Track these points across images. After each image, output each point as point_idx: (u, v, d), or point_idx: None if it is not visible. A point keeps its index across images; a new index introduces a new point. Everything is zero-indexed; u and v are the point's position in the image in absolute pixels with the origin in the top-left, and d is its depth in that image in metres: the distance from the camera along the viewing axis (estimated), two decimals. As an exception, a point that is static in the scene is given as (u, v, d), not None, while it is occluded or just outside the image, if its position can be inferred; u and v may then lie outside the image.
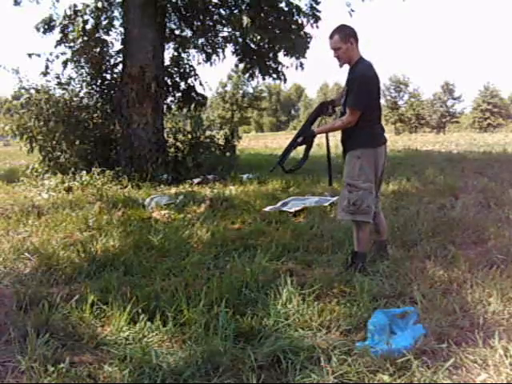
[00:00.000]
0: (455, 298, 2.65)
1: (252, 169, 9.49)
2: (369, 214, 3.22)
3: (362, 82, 3.13)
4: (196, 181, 7.96)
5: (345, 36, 3.11)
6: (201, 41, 10.66)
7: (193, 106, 10.38)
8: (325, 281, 2.92)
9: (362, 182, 3.17)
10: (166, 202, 5.88)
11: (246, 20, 8.46)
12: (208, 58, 10.73)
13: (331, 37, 3.16)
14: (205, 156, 9.30)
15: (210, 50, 10.70)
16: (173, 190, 7.15)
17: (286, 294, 2.65)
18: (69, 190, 7.13)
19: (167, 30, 9.87)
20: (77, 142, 8.44)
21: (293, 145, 3.37)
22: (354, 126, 3.19)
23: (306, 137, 3.33)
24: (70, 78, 9.19)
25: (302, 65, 10.32)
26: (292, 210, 5.24)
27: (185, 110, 10.57)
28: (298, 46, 10.01)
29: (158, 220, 4.99)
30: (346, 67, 3.28)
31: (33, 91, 8.74)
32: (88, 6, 9.42)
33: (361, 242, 3.26)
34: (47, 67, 9.17)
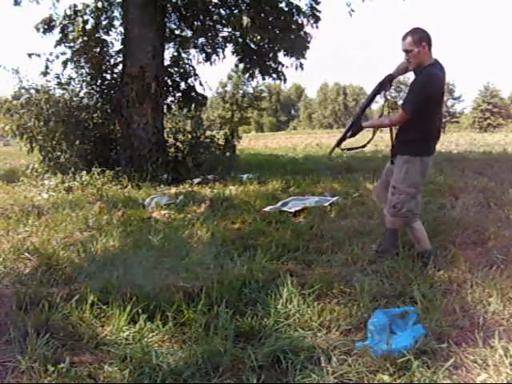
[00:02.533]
0: (455, 298, 2.65)
1: (252, 169, 9.49)
2: (409, 218, 3.28)
3: (422, 87, 3.11)
4: (196, 181, 7.96)
5: (418, 39, 3.08)
6: (201, 41, 10.66)
7: (193, 105, 10.37)
8: (325, 281, 2.92)
9: (406, 186, 3.24)
10: (165, 202, 5.88)
11: (245, 20, 8.46)
12: (208, 58, 10.74)
13: (404, 38, 3.14)
14: (205, 156, 9.30)
15: (209, 50, 10.70)
16: (173, 190, 7.15)
17: (286, 294, 2.65)
18: (69, 189, 7.13)
19: (167, 29, 9.87)
20: (77, 142, 8.43)
21: (343, 138, 3.46)
22: (408, 132, 3.23)
23: (354, 131, 3.39)
24: (70, 78, 9.18)
25: (301, 65, 10.33)
26: (292, 210, 5.24)
27: (185, 110, 10.56)
28: (298, 46, 10.01)
29: (158, 220, 4.99)
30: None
31: (33, 91, 8.74)
32: (88, 6, 9.43)
33: (420, 240, 3.34)
34: (47, 67, 9.17)
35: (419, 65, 3.14)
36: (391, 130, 3.44)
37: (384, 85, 3.37)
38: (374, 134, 3.58)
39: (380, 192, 3.66)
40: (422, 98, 3.09)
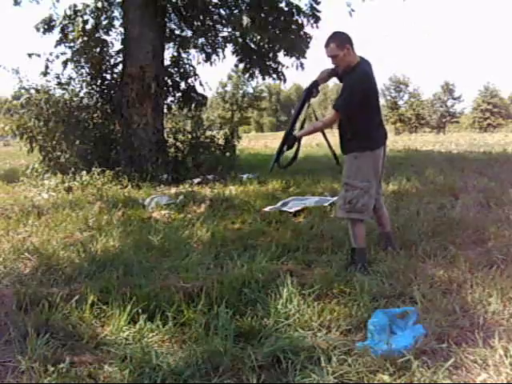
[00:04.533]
0: (455, 298, 2.65)
1: (252, 169, 9.49)
2: (364, 213, 3.30)
3: (354, 89, 3.19)
4: (196, 181, 7.96)
5: (340, 43, 3.16)
6: (201, 41, 10.65)
7: (193, 106, 10.37)
8: (325, 281, 2.92)
9: (358, 181, 3.26)
10: (166, 202, 5.88)
11: (245, 20, 8.46)
12: (208, 58, 10.73)
13: (327, 45, 3.20)
14: (205, 156, 9.30)
15: (209, 50, 10.70)
16: (173, 190, 7.15)
17: (286, 294, 2.65)
18: (69, 189, 7.13)
19: (167, 30, 9.87)
20: (77, 142, 8.42)
21: (280, 152, 3.42)
22: (351, 131, 3.29)
23: (289, 145, 3.38)
24: (70, 78, 9.18)
25: (302, 65, 10.32)
26: (292, 210, 5.24)
27: (185, 110, 10.56)
28: (298, 46, 10.00)
29: (158, 220, 4.99)
30: None
31: (33, 91, 8.73)
32: (88, 5, 9.42)
33: (357, 237, 3.33)
34: (47, 67, 9.16)
35: (347, 66, 3.23)
36: (324, 133, 3.50)
37: (310, 92, 3.41)
38: (325, 137, 3.54)
39: None
40: (358, 95, 3.17)
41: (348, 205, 3.28)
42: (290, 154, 3.53)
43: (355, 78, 3.19)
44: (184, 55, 10.62)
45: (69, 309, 2.54)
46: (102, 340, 2.28)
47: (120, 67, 9.22)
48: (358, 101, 3.15)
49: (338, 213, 3.47)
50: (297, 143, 3.41)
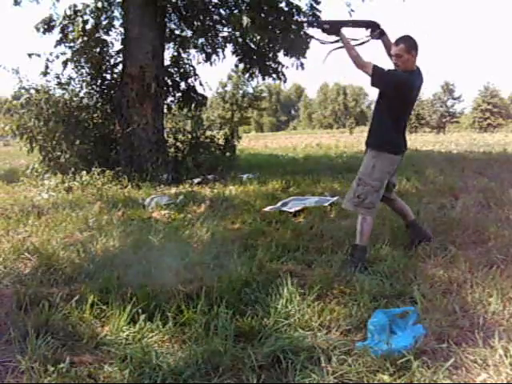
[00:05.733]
0: (455, 298, 2.65)
1: (252, 169, 9.49)
2: (371, 210, 3.40)
3: (396, 77, 3.36)
4: (196, 181, 7.96)
5: (409, 46, 3.31)
6: (201, 41, 10.64)
7: (193, 105, 10.37)
8: (325, 281, 2.92)
9: (371, 179, 3.38)
10: (166, 202, 5.88)
11: (245, 20, 8.45)
12: (208, 58, 10.72)
13: (397, 44, 3.33)
14: (205, 156, 9.30)
15: (209, 50, 10.69)
16: (173, 190, 7.15)
17: (286, 294, 2.65)
18: (69, 190, 7.12)
19: (167, 29, 9.86)
20: (77, 142, 8.42)
21: (316, 24, 3.71)
22: (379, 128, 3.45)
23: (330, 27, 3.52)
24: (70, 78, 9.17)
25: (302, 65, 10.30)
26: (292, 210, 5.24)
27: (185, 110, 10.56)
28: (298, 46, 9.99)
29: (158, 220, 4.99)
30: None
31: (33, 91, 8.73)
32: (88, 6, 9.41)
33: (363, 234, 3.39)
34: (47, 67, 9.15)
35: (404, 70, 3.36)
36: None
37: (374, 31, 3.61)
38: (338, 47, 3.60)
39: None
40: (390, 87, 3.32)
41: (356, 199, 3.40)
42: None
43: (402, 76, 3.34)
44: (184, 55, 10.62)
45: (69, 309, 2.54)
46: (102, 340, 2.28)
47: (120, 67, 9.21)
48: (388, 91, 3.34)
49: (345, 204, 3.58)
50: (335, 39, 3.52)
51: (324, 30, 3.56)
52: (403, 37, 3.37)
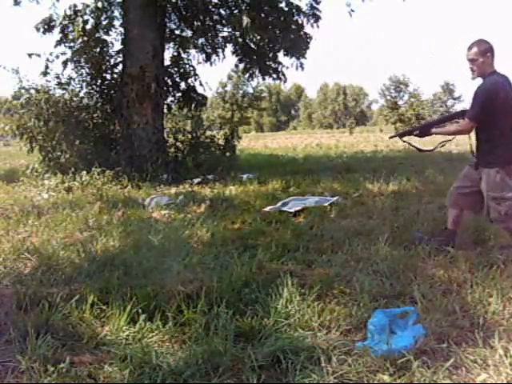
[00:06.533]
0: (455, 298, 2.65)
1: (252, 169, 9.49)
2: None
3: (480, 95, 3.28)
4: (196, 181, 7.96)
5: (484, 50, 3.26)
6: (201, 41, 10.67)
7: (193, 105, 10.38)
8: (325, 281, 2.92)
9: (506, 192, 3.31)
10: (166, 202, 5.88)
11: (245, 20, 8.46)
12: (208, 58, 10.74)
13: (470, 48, 3.31)
14: (205, 156, 9.30)
15: (209, 50, 10.71)
16: (173, 190, 7.15)
17: (286, 294, 2.64)
18: (69, 189, 7.13)
19: (167, 29, 9.87)
20: (77, 142, 8.43)
21: (409, 132, 3.88)
22: (486, 143, 3.35)
23: (421, 132, 3.72)
24: (70, 78, 9.19)
25: (302, 65, 10.33)
26: (292, 210, 5.23)
27: (185, 110, 10.57)
28: (298, 46, 10.01)
29: (158, 220, 4.98)
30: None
31: (33, 91, 8.74)
32: (88, 6, 9.43)
33: None
34: (47, 67, 9.17)
35: (482, 74, 3.31)
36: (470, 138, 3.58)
37: (456, 117, 3.75)
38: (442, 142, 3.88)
39: (458, 198, 3.70)
40: (482, 103, 3.25)
41: (505, 216, 3.34)
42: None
43: (482, 87, 3.30)
44: (184, 55, 10.64)
45: (69, 309, 2.54)
46: (102, 340, 2.28)
47: (120, 67, 9.22)
48: (484, 110, 3.24)
49: (500, 224, 3.50)
50: (423, 135, 3.71)
51: (417, 135, 3.73)
52: (476, 41, 3.32)
